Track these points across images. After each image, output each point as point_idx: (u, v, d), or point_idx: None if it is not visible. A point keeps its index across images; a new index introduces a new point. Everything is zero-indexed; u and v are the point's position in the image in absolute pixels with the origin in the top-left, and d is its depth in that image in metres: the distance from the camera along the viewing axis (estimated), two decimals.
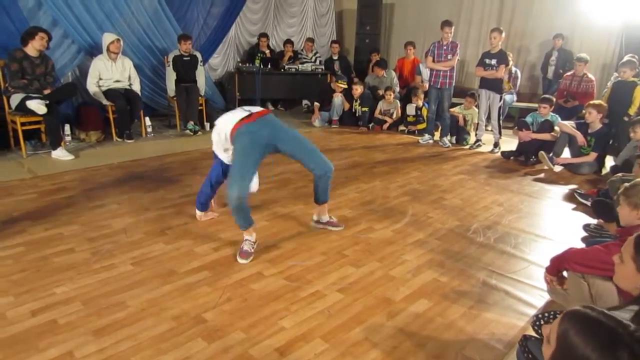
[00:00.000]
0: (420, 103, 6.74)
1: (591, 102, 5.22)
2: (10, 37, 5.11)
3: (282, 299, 2.42)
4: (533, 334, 2.04)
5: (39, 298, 2.33)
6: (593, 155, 5.03)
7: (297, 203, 3.80)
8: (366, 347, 2.07)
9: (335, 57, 8.73)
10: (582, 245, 3.12)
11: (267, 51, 8.26)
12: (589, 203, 3.94)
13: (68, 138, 5.39)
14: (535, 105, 6.14)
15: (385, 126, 7.06)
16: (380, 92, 7.45)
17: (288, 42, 8.55)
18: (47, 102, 4.67)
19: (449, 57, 5.86)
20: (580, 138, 5.07)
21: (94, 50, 5.77)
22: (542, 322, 1.98)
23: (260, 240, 3.09)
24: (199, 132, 6.23)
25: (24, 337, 2.03)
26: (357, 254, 2.96)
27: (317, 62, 8.61)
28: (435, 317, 2.31)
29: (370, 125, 7.11)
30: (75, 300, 2.32)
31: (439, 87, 6.01)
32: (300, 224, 3.40)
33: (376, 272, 2.74)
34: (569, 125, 5.21)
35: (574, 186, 4.62)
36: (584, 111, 5.38)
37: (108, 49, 5.55)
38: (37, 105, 4.59)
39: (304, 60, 8.57)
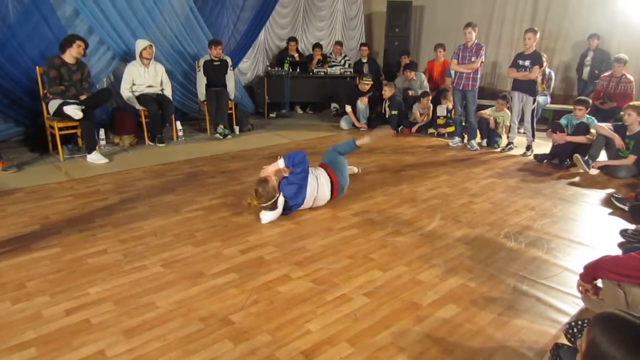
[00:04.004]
0: (450, 105, 6.67)
1: (631, 103, 5.04)
2: (49, 45, 5.31)
3: (309, 302, 2.42)
4: (565, 342, 1.99)
5: (73, 298, 2.40)
6: (632, 159, 4.85)
7: (325, 206, 3.80)
8: (392, 351, 2.05)
9: (365, 60, 8.72)
10: (619, 251, 3.02)
11: (296, 55, 8.31)
12: (626, 208, 3.81)
13: (102, 142, 5.55)
14: (570, 107, 5.98)
15: (414, 129, 7.01)
16: (411, 92, 7.42)
17: (317, 45, 8.59)
18: (83, 107, 4.82)
19: (473, 59, 5.77)
20: (618, 141, 4.91)
21: (127, 56, 5.93)
22: (575, 330, 1.93)
23: (287, 243, 3.11)
24: (229, 136, 6.32)
25: (59, 336, 2.10)
26: (384, 258, 2.94)
27: (346, 65, 8.61)
28: (463, 323, 2.27)
29: (399, 128, 7.06)
30: (107, 301, 2.38)
31: (461, 88, 5.93)
32: (327, 227, 3.40)
33: (403, 276, 2.72)
34: (606, 127, 5.05)
35: (611, 190, 4.46)
36: (622, 113, 5.20)
37: (141, 55, 5.70)
38: (74, 111, 4.74)
39: (333, 63, 8.58)
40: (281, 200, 3.45)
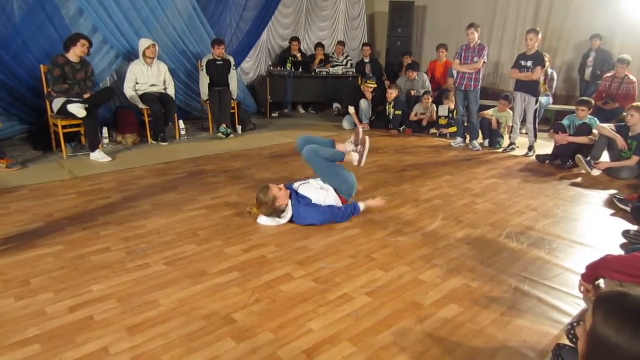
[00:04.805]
0: (452, 105, 6.68)
1: (634, 104, 5.03)
2: (54, 44, 5.34)
3: (311, 301, 2.43)
4: (567, 342, 1.99)
5: (77, 295, 2.41)
6: (635, 159, 4.84)
7: None
8: (394, 351, 2.05)
9: (367, 60, 8.73)
10: (621, 252, 3.02)
11: (299, 55, 8.33)
12: (628, 209, 3.80)
13: (106, 141, 5.57)
14: (572, 107, 5.97)
15: (424, 122, 7.02)
16: (413, 92, 7.43)
17: (319, 45, 8.60)
18: (87, 106, 4.85)
19: (475, 59, 5.78)
20: (620, 142, 4.91)
21: (131, 55, 5.95)
22: (576, 331, 1.92)
23: (289, 242, 3.12)
24: (231, 135, 6.33)
25: (63, 332, 2.11)
26: (386, 258, 2.95)
27: (349, 65, 8.62)
28: (465, 323, 2.27)
29: (402, 128, 7.07)
30: (110, 298, 2.39)
31: (463, 89, 5.95)
32: (329, 227, 3.40)
33: (405, 276, 2.72)
34: (608, 128, 5.05)
35: (613, 191, 4.46)
36: (624, 114, 5.20)
37: (144, 54, 5.72)
38: (78, 109, 4.76)
39: (335, 63, 8.59)
40: (287, 215, 3.36)
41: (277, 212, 3.34)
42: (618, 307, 1.04)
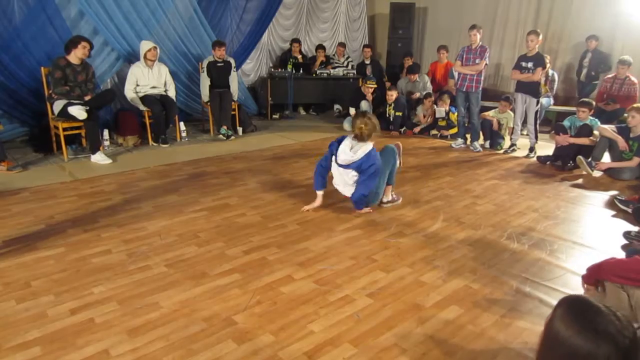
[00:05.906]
0: (447, 108, 6.70)
1: (635, 105, 5.03)
2: (54, 46, 5.35)
3: (312, 303, 2.43)
4: None
5: (78, 297, 2.42)
6: (636, 160, 4.84)
7: (328, 207, 3.81)
8: (395, 352, 2.05)
9: (367, 62, 8.73)
10: (622, 253, 3.02)
11: (299, 56, 8.33)
12: (630, 210, 3.80)
13: (106, 143, 5.57)
14: (573, 108, 5.97)
15: (416, 129, 7.01)
16: (416, 95, 7.43)
17: (320, 47, 8.60)
18: (88, 108, 4.85)
19: (477, 61, 5.79)
20: (621, 143, 4.90)
21: (132, 57, 5.96)
22: None
23: (290, 243, 3.12)
24: (232, 137, 6.33)
25: (63, 335, 2.11)
26: (387, 259, 2.95)
27: (349, 67, 8.62)
28: (466, 325, 2.27)
29: (402, 130, 7.07)
30: (111, 300, 2.39)
31: (464, 90, 5.96)
32: (330, 228, 3.41)
33: (406, 278, 2.72)
34: (609, 129, 5.04)
35: (614, 192, 4.46)
36: (625, 115, 5.19)
37: (145, 56, 5.72)
38: (78, 111, 4.76)
39: (336, 65, 8.59)
40: (364, 149, 3.56)
41: (371, 134, 3.61)
42: (575, 308, 1.19)
